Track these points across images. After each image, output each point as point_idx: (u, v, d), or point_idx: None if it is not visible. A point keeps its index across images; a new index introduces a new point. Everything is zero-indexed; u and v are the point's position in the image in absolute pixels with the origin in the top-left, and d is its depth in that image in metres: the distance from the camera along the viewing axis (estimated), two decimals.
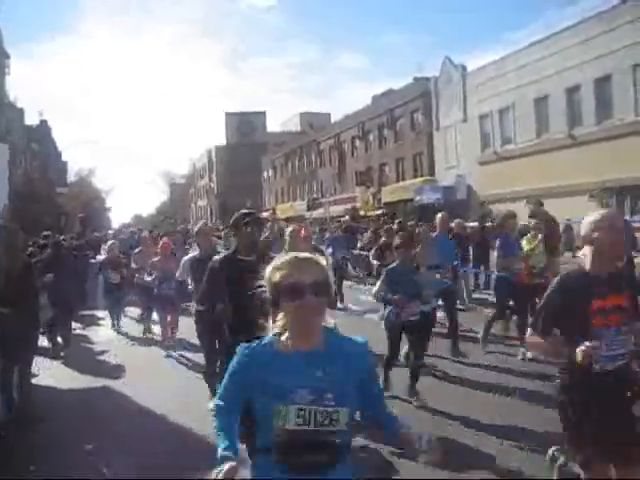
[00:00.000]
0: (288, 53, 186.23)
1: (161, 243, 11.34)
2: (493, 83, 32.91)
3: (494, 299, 10.29)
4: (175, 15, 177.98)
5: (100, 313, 15.31)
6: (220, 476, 2.22)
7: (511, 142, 32.50)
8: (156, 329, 11.79)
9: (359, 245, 22.28)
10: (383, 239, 13.01)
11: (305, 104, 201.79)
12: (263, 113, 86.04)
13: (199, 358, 8.54)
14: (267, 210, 67.34)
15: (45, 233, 13.02)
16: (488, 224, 16.21)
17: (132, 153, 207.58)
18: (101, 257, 25.99)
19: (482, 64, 34.72)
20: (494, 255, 10.24)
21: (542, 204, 12.82)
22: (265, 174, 74.90)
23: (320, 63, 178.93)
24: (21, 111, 59.71)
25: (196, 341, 8.31)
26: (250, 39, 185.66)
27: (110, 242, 14.59)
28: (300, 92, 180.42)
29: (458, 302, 11.46)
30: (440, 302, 9.05)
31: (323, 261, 2.53)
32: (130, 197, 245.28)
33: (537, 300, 6.75)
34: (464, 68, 36.26)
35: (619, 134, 25.09)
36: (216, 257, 5.76)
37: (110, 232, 47.61)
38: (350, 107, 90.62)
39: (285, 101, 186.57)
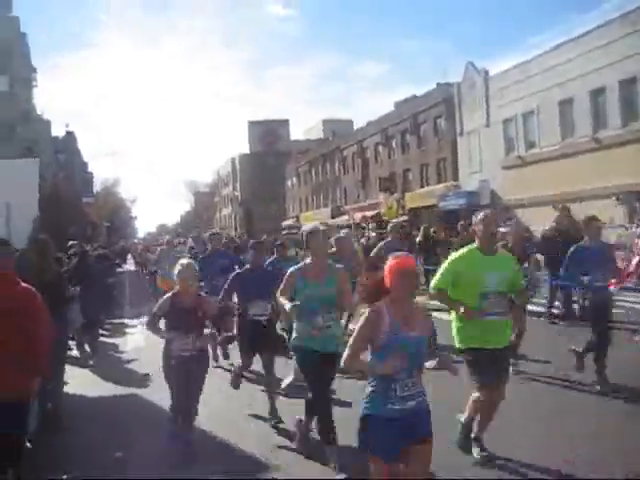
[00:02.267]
0: (309, 61, 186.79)
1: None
2: (516, 87, 32.71)
3: None
4: (195, 26, 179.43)
5: (128, 321, 15.50)
6: None
7: (535, 146, 32.26)
8: None
9: None
10: None
11: (327, 112, 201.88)
12: (286, 121, 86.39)
13: (228, 368, 8.59)
14: (291, 218, 67.76)
15: (72, 243, 13.06)
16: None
17: (155, 163, 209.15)
18: (128, 266, 26.24)
19: (505, 68, 34.59)
20: None
21: (569, 210, 12.76)
22: (289, 182, 75.14)
23: (341, 71, 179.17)
24: (48, 123, 60.70)
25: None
26: (270, 48, 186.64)
27: (183, 263, 6.44)
28: (322, 100, 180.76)
29: None
30: None
31: None
32: (154, 206, 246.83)
33: None
34: (487, 72, 36.10)
35: None
36: None
37: (135, 240, 47.92)
38: (372, 114, 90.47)
39: (307, 109, 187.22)
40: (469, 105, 37.40)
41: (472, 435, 5.59)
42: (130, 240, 54.96)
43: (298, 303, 5.60)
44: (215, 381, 8.88)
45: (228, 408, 7.59)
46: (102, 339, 12.75)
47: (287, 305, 5.66)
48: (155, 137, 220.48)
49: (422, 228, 19.58)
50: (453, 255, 5.96)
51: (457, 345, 5.70)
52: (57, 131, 65.94)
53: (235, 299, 7.66)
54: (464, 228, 13.63)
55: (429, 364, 4.23)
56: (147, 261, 23.04)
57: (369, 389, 4.00)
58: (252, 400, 7.73)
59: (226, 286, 7.61)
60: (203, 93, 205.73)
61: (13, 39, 48.57)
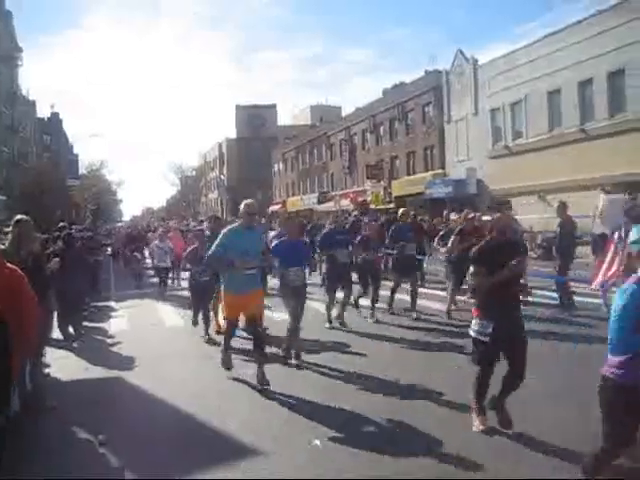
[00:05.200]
0: (297, 46, 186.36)
1: None
2: (505, 76, 32.75)
3: None
4: (182, 9, 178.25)
5: (113, 304, 15.46)
6: None
7: (522, 136, 32.35)
8: None
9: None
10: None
11: (315, 97, 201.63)
12: (274, 106, 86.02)
13: (213, 350, 8.57)
14: (277, 203, 67.64)
15: (61, 225, 12.92)
16: None
17: (142, 146, 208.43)
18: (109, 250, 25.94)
19: (494, 57, 34.56)
20: None
21: (565, 205, 12.92)
22: (276, 167, 74.94)
23: (330, 56, 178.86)
24: (33, 104, 60.08)
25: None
26: (257, 33, 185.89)
27: None
28: (310, 85, 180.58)
29: None
30: None
31: None
32: (140, 190, 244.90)
33: None
34: (476, 61, 36.09)
35: (631, 128, 24.94)
36: None
37: (119, 225, 47.45)
38: (361, 100, 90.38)
39: (295, 95, 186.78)
40: (457, 93, 37.40)
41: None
42: (114, 223, 54.53)
43: None
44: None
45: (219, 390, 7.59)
46: (86, 322, 12.68)
47: None
48: (142, 120, 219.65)
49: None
50: None
51: None
52: (42, 112, 65.29)
53: None
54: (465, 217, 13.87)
55: None
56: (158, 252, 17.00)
57: None
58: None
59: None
60: (190, 77, 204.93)
61: None
